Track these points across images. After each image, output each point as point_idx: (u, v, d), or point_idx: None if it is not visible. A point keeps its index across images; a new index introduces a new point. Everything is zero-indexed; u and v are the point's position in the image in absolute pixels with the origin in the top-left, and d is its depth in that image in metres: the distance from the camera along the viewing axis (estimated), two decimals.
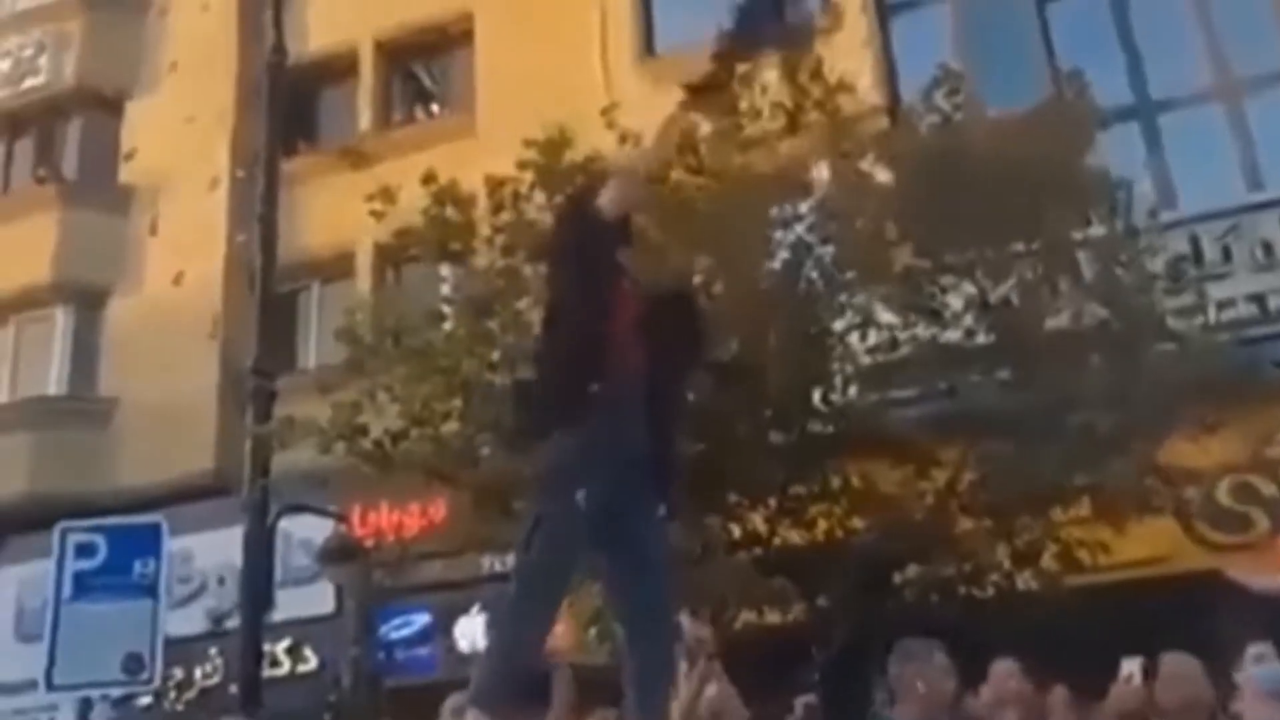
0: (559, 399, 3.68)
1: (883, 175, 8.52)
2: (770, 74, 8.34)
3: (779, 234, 8.25)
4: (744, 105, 8.12)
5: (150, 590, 5.85)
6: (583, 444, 3.54)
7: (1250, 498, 10.38)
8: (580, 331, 3.69)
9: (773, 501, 7.94)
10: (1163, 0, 12.38)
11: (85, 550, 5.92)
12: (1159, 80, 12.10)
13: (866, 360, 8.07)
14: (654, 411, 3.69)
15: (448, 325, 8.43)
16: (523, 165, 8.33)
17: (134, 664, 5.64)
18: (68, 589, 5.83)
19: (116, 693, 6.15)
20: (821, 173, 8.86)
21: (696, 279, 7.89)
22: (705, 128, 8.14)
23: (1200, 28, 12.08)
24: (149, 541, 5.94)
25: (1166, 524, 9.72)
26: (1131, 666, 5.68)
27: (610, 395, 3.59)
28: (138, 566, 5.91)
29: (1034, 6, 12.42)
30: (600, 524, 3.53)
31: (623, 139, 8.52)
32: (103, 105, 16.54)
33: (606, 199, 3.79)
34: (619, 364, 3.65)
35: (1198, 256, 10.52)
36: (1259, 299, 10.67)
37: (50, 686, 5.66)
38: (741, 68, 8.11)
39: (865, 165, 8.52)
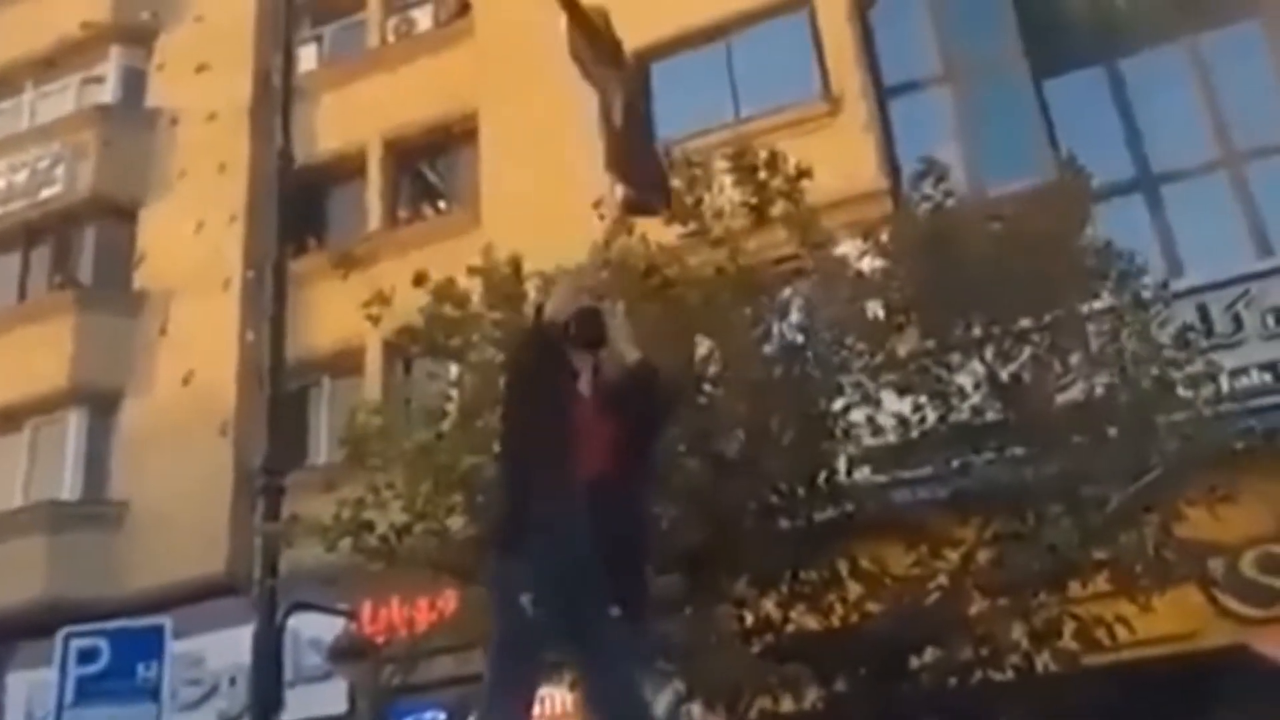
0: (504, 524, 3.93)
1: (875, 260, 8.51)
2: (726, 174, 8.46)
3: (769, 327, 8.24)
4: (705, 207, 8.21)
5: (153, 694, 5.79)
6: (525, 557, 3.64)
7: (1276, 569, 10.18)
8: (523, 456, 3.87)
9: (784, 587, 7.82)
10: (1163, 72, 12.47)
11: (88, 655, 5.88)
12: (1162, 151, 12.17)
13: (871, 441, 8.00)
14: (620, 498, 3.76)
15: (446, 423, 8.42)
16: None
17: None
18: (70, 695, 5.75)
19: None
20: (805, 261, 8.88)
21: (695, 369, 7.92)
22: (673, 234, 8.27)
23: (1202, 99, 12.16)
24: (152, 644, 5.89)
25: (1191, 598, 9.53)
26: None
27: (554, 509, 3.69)
28: (140, 670, 5.86)
29: (1030, 83, 12.52)
30: (561, 625, 3.60)
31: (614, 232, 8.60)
32: (117, 213, 16.85)
33: (550, 309, 4.02)
34: (567, 471, 3.74)
35: (1207, 325, 10.47)
36: (1271, 367, 10.58)
37: None
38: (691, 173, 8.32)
39: (852, 250, 8.54)
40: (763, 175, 8.16)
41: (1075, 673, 7.82)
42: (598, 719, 3.77)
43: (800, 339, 7.95)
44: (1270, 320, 10.81)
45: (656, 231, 8.05)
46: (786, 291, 8.15)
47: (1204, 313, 10.66)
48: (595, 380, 3.99)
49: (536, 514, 3.67)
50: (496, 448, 4.41)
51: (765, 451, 7.34)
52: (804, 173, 8.22)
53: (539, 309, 4.42)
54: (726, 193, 8.19)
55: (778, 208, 8.20)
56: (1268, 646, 10.13)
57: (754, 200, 8.17)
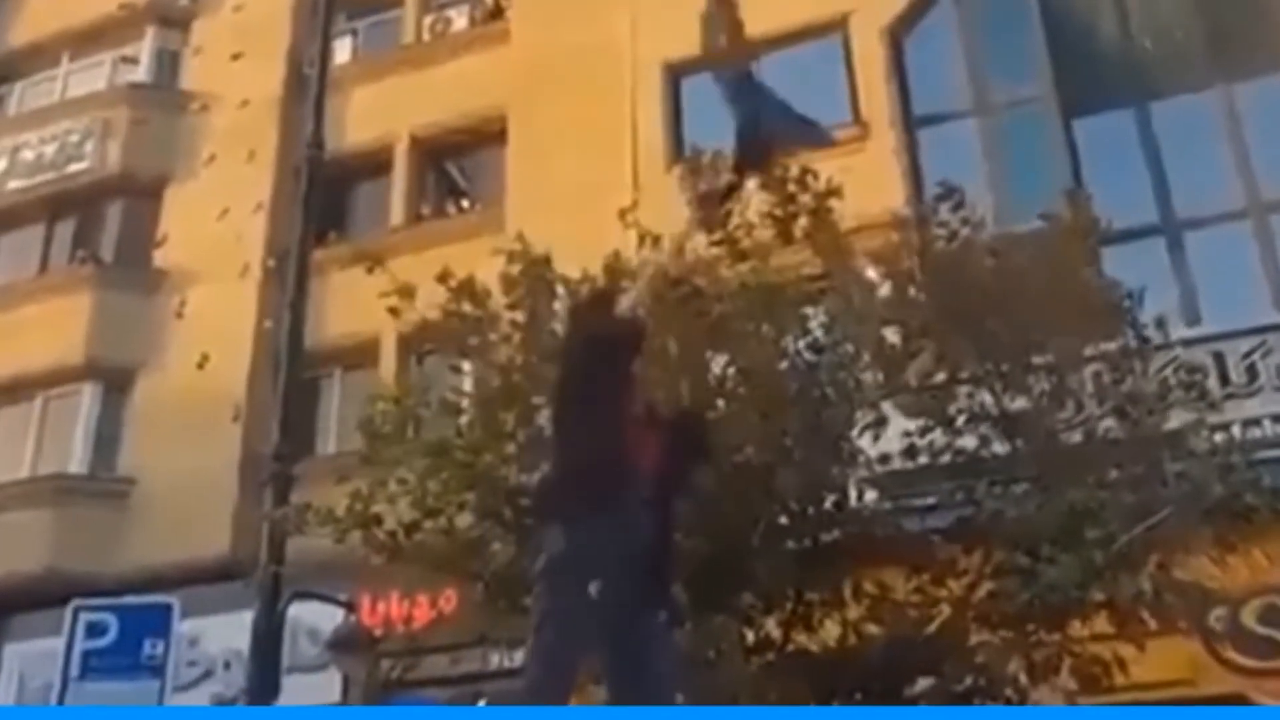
0: (574, 490, 3.73)
1: (890, 284, 8.55)
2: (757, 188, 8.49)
3: (792, 339, 8.27)
4: (735, 220, 8.26)
5: (157, 671, 5.82)
6: (594, 537, 3.55)
7: (1278, 622, 10.18)
8: (596, 429, 3.75)
9: (788, 606, 7.85)
10: (1192, 118, 12.50)
11: (96, 629, 5.90)
12: (1186, 196, 12.20)
13: (880, 467, 8.03)
14: (658, 516, 3.76)
15: (464, 419, 8.46)
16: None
17: None
18: (75, 667, 5.79)
19: None
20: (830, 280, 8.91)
21: (711, 381, 7.95)
22: (703, 247, 8.30)
23: (1231, 147, 12.19)
24: (160, 622, 5.93)
25: (1189, 646, 9.55)
26: None
27: (620, 494, 3.64)
28: (147, 647, 5.89)
29: (1060, 121, 12.57)
30: (604, 621, 3.54)
31: (641, 240, 8.65)
32: (142, 192, 16.97)
33: (625, 304, 3.96)
34: (629, 466, 3.71)
35: (1222, 374, 10.50)
36: None
37: None
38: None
39: (874, 274, 8.58)
40: (791, 189, 8.19)
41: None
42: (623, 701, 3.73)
43: (816, 358, 7.97)
44: None
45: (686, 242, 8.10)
46: (808, 310, 8.16)
47: (1220, 361, 10.70)
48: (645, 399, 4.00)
49: (611, 489, 3.62)
50: (554, 416, 4.25)
51: (777, 467, 7.36)
52: (833, 191, 8.25)
53: (604, 292, 4.39)
54: (754, 206, 8.21)
55: (803, 224, 8.23)
56: (1265, 698, 10.16)
57: (780, 214, 8.20)
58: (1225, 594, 9.16)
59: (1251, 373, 10.81)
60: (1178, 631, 8.21)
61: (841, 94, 13.58)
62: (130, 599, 6.13)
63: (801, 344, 7.97)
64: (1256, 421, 10.55)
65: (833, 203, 8.28)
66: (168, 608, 5.98)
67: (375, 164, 16.17)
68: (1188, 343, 10.07)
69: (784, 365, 7.86)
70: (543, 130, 14.90)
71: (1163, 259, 11.97)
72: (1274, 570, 9.93)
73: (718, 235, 8.05)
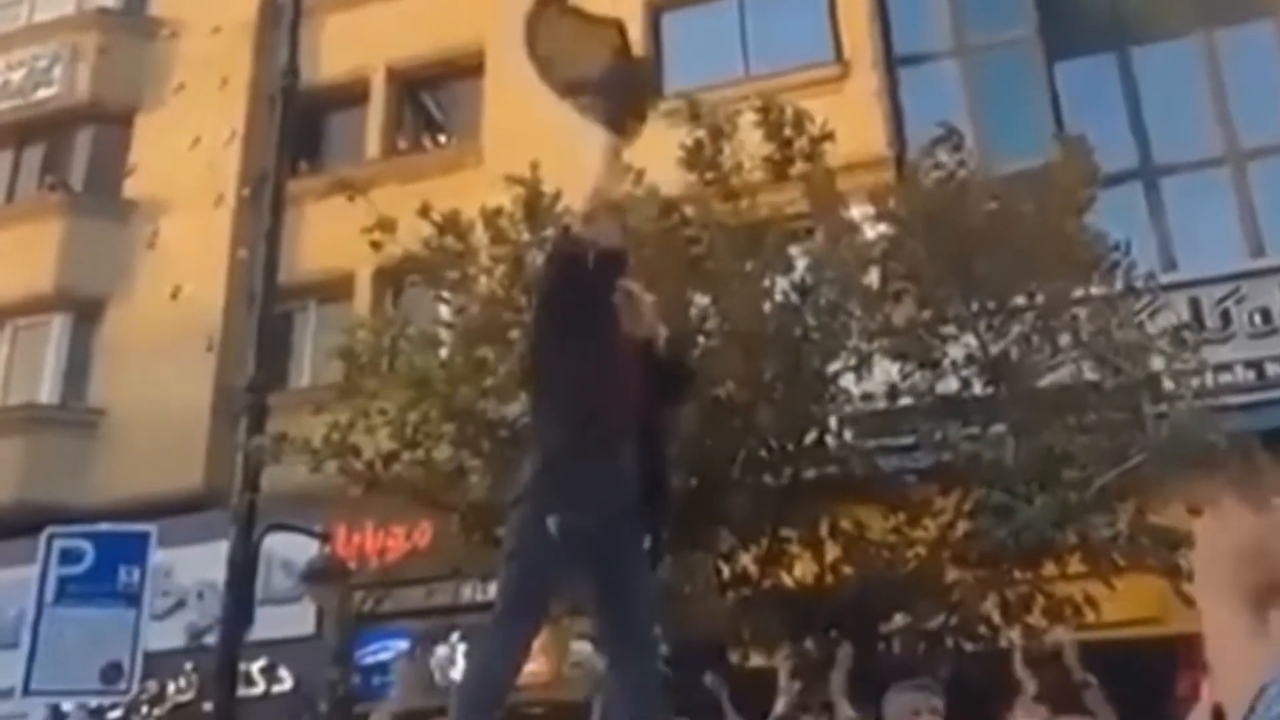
0: (557, 420, 3.70)
1: (880, 226, 8.56)
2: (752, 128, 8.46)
3: (775, 278, 8.26)
4: (725, 160, 8.21)
5: (134, 600, 5.77)
6: (560, 473, 3.55)
7: None
8: (581, 356, 3.70)
9: (764, 542, 7.90)
10: (1173, 64, 12.48)
11: (71, 556, 5.85)
12: (1165, 143, 12.21)
13: (862, 405, 8.06)
14: (646, 443, 3.72)
15: (444, 351, 8.42)
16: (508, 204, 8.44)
17: (113, 673, 5.56)
18: (51, 594, 5.75)
19: (93, 702, 6.07)
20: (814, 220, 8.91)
21: (692, 315, 7.94)
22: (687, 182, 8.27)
23: (1210, 93, 12.19)
24: (136, 550, 5.88)
25: (1158, 585, 9.68)
26: None
27: (605, 426, 3.61)
28: (123, 575, 5.84)
29: (1043, 64, 12.52)
30: (583, 551, 3.54)
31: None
32: (112, 120, 16.64)
33: (597, 234, 3.89)
34: (615, 395, 3.67)
35: (1198, 320, 10.56)
36: (1257, 365, 10.70)
37: (27, 691, 5.56)
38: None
39: (858, 215, 8.58)
40: (788, 133, 8.15)
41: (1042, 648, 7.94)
42: (607, 653, 3.75)
43: (800, 298, 7.96)
44: (1258, 319, 10.93)
45: (671, 178, 8.06)
46: (793, 250, 8.15)
47: (1195, 307, 10.77)
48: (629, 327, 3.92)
49: (589, 435, 3.60)
50: (531, 355, 4.19)
51: (757, 404, 7.37)
52: (828, 135, 8.22)
53: (566, 230, 4.31)
54: (748, 147, 8.17)
55: (797, 167, 8.20)
56: None
57: (777, 157, 8.15)
58: (1193, 537, 9.29)
59: (1225, 318, 10.89)
60: (1146, 571, 8.31)
61: (824, 32, 13.44)
62: (106, 526, 6.05)
63: (785, 283, 7.95)
64: (1229, 367, 10.64)
65: (826, 146, 8.25)
66: (144, 535, 5.93)
67: (350, 95, 15.90)
68: (1164, 288, 10.12)
69: (767, 305, 7.84)
70: (521, 64, 14.64)
71: (1140, 205, 11.99)
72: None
73: (709, 175, 8.02)
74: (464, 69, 15.63)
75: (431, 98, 16.57)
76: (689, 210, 7.94)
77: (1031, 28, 12.75)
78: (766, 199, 8.29)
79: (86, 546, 5.89)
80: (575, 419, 3.61)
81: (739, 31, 13.75)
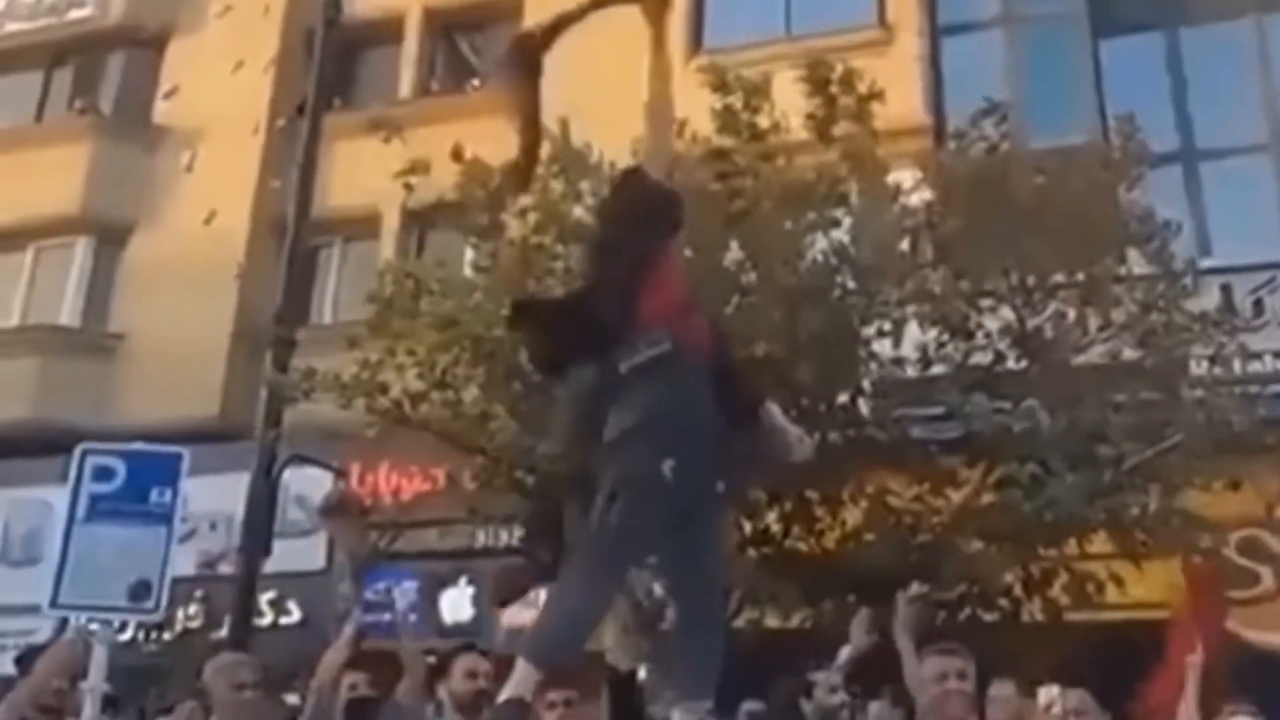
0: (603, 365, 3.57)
1: (923, 192, 8.50)
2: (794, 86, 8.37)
3: (815, 237, 8.20)
4: (763, 120, 8.13)
5: (165, 519, 5.72)
6: (667, 406, 3.43)
7: (1259, 554, 10.34)
8: (647, 297, 3.60)
9: (788, 503, 7.88)
10: (1221, 48, 12.33)
11: (103, 473, 5.81)
12: (1207, 127, 12.08)
13: (896, 371, 8.02)
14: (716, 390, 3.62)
15: (478, 295, 8.38)
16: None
17: (142, 591, 5.51)
18: (82, 510, 5.72)
19: (117, 621, 6.07)
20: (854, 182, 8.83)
21: (729, 268, 7.87)
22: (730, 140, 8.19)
23: (1258, 79, 12.05)
24: (169, 471, 5.81)
25: (1170, 570, 9.68)
26: (1051, 694, 5.85)
27: (680, 364, 3.50)
28: (154, 495, 5.76)
29: (1089, 40, 12.37)
30: (686, 500, 3.42)
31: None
32: (146, 43, 16.52)
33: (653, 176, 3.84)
34: (682, 336, 3.58)
35: (1230, 307, 10.48)
36: None
37: (54, 604, 5.56)
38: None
39: (901, 179, 8.50)
40: (834, 90, 8.05)
41: (1058, 624, 7.97)
42: (677, 602, 3.66)
43: (838, 259, 7.90)
44: None
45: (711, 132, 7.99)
46: (836, 212, 8.07)
47: (1228, 294, 10.68)
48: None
49: (669, 355, 3.44)
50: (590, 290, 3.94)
51: (794, 362, 7.31)
52: (875, 94, 8.12)
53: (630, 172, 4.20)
54: (790, 105, 8.09)
55: (841, 127, 8.11)
56: (1238, 626, 10.33)
57: (820, 114, 8.07)
58: (1212, 522, 9.29)
59: (1258, 307, 10.82)
60: (1161, 555, 8.30)
61: None
62: (139, 445, 6.01)
63: (825, 243, 7.89)
64: (1258, 356, 10.57)
65: (874, 107, 8.16)
66: (178, 457, 5.86)
67: (385, 33, 15.76)
68: (1199, 273, 10.05)
69: (804, 264, 7.78)
70: (558, 10, 14.53)
71: (1178, 188, 11.87)
72: (1261, 503, 10.11)
73: (744, 135, 7.94)
74: (502, 10, 15.44)
75: (467, 40, 16.41)
76: (737, 161, 7.85)
77: (1079, 2, 12.59)
78: (807, 159, 8.21)
79: (119, 465, 5.83)
80: (665, 366, 3.47)
81: None
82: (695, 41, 14.12)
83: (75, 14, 16.62)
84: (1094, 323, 8.19)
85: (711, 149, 7.81)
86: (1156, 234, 8.06)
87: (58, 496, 6.95)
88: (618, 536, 3.37)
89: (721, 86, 8.42)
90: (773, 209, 7.70)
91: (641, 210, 3.76)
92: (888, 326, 7.83)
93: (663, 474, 3.33)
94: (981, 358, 8.05)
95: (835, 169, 8.03)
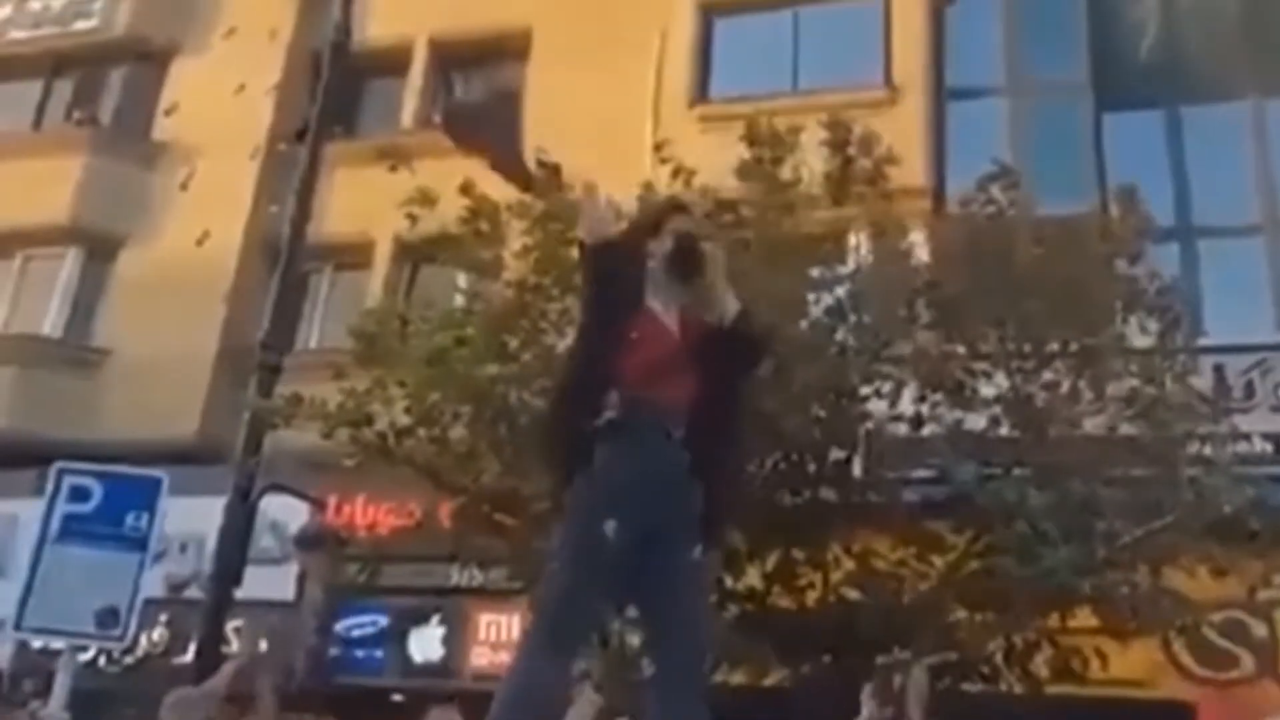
0: (567, 430, 3.58)
1: (922, 253, 8.49)
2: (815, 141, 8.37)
3: (816, 295, 8.17)
4: (786, 173, 8.12)
5: (140, 545, 5.62)
6: (613, 474, 3.40)
7: (1239, 636, 10.26)
8: (592, 360, 3.60)
9: (772, 560, 7.78)
10: (1221, 128, 12.42)
11: (79, 494, 5.70)
12: (1204, 205, 12.15)
13: (890, 429, 7.95)
14: (701, 443, 3.55)
15: (469, 330, 8.29)
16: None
17: (109, 618, 5.42)
18: (55, 529, 5.60)
19: (86, 647, 5.94)
20: (863, 241, 8.83)
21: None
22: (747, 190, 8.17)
23: (1255, 160, 12.13)
24: (147, 495, 5.73)
25: (1148, 648, 9.61)
26: None
27: (636, 425, 3.46)
28: (130, 519, 5.69)
29: (1092, 113, 12.45)
30: (631, 559, 3.38)
31: (675, 173, 8.48)
32: (149, 58, 16.49)
33: (675, 224, 3.77)
34: (656, 392, 3.52)
35: (1222, 387, 10.48)
36: (1275, 439, 10.62)
37: (19, 627, 5.42)
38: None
39: (905, 243, 8.50)
40: (852, 152, 8.05)
41: (1037, 697, 7.86)
42: (653, 663, 3.56)
43: (839, 316, 7.85)
44: None
45: (720, 182, 7.98)
46: (840, 268, 8.03)
47: (1220, 373, 10.68)
48: (683, 319, 3.76)
49: (622, 420, 3.42)
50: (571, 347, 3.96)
51: (788, 416, 7.23)
52: (892, 159, 8.12)
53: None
54: (808, 162, 8.08)
55: (857, 188, 8.10)
56: (1212, 709, 10.27)
57: (837, 175, 8.06)
58: (1192, 603, 9.23)
59: (1249, 389, 10.81)
60: (1140, 634, 8.22)
61: (877, 54, 13.34)
62: (118, 467, 5.90)
63: (829, 299, 7.85)
64: (1247, 437, 10.55)
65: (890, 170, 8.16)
66: (157, 482, 5.77)
67: (389, 62, 15.74)
68: (1191, 352, 10.05)
69: (807, 318, 7.73)
70: (565, 51, 14.59)
71: (1174, 264, 11.89)
72: (1243, 586, 10.05)
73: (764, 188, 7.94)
74: (507, 51, 15.49)
75: (472, 74, 16.42)
76: (743, 212, 7.82)
77: (1084, 75, 12.68)
78: (819, 215, 8.19)
79: (96, 486, 5.73)
80: (625, 411, 3.43)
81: (791, 43, 13.64)
82: (701, 90, 14.18)
83: (80, 25, 16.59)
84: (1089, 395, 8.15)
85: (719, 199, 7.76)
86: (1171, 301, 8.04)
87: (27, 511, 6.81)
88: (561, 601, 3.37)
89: (753, 141, 8.38)
90: (776, 260, 7.65)
91: (603, 281, 3.68)
92: (886, 388, 7.76)
93: (604, 535, 3.30)
94: (974, 422, 7.99)
95: (844, 225, 7.99)
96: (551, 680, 3.40)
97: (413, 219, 8.57)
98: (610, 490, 3.40)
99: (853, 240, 8.39)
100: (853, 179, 8.15)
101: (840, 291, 7.96)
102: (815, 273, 7.92)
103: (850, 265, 8.27)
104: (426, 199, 8.48)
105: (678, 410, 3.54)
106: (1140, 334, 8.04)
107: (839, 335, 7.80)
